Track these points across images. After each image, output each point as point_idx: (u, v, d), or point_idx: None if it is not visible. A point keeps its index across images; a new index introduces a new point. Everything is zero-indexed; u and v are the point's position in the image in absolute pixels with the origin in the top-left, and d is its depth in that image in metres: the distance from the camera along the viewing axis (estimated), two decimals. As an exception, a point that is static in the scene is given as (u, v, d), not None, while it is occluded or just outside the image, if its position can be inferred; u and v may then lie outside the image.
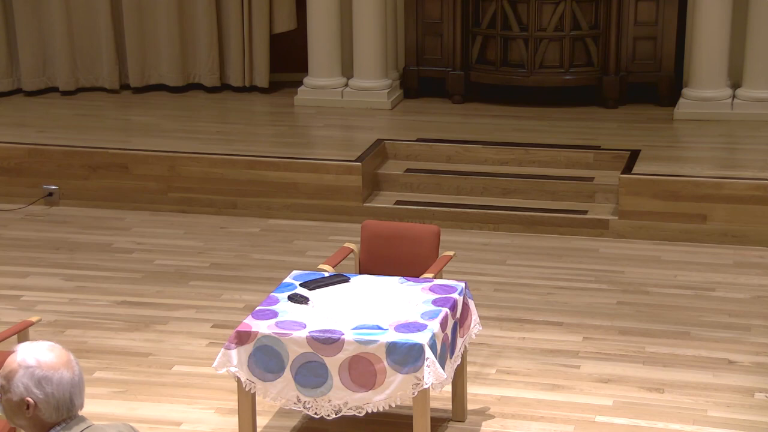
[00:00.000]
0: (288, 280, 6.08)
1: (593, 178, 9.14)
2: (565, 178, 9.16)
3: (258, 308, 5.73)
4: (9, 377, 3.14)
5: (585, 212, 8.85)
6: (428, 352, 5.33)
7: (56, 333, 7.17)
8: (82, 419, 3.19)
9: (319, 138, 10.17)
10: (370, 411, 5.44)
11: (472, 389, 6.34)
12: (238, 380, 5.57)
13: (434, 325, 5.49)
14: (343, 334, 5.41)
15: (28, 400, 3.11)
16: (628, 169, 8.85)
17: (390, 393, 5.37)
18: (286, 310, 5.70)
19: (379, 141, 9.66)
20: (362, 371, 5.37)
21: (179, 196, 9.33)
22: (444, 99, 10.81)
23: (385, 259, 6.63)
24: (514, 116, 10.37)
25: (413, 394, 5.38)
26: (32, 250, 8.64)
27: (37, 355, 3.13)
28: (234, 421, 5.96)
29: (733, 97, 10.05)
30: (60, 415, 3.14)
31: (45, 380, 3.11)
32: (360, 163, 9.11)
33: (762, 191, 8.46)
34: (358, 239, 6.82)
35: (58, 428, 3.15)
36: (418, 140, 9.72)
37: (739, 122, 9.92)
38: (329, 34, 10.62)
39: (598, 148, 9.41)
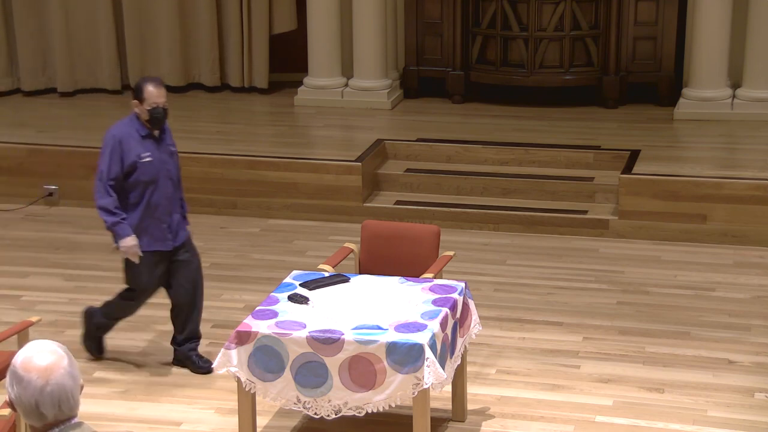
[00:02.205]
0: (288, 280, 6.08)
1: (593, 178, 9.14)
2: (565, 178, 9.15)
3: (258, 308, 5.73)
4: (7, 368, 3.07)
5: (585, 212, 8.84)
6: (428, 352, 5.32)
7: (56, 333, 7.15)
8: (79, 424, 3.04)
9: (319, 138, 10.16)
10: (370, 411, 5.44)
11: (472, 389, 6.34)
12: (238, 380, 5.56)
13: (434, 325, 5.48)
14: (343, 334, 5.41)
15: (7, 395, 3.02)
16: (628, 169, 8.85)
17: (390, 393, 5.37)
18: (286, 310, 5.69)
19: (379, 141, 9.66)
20: (362, 371, 5.37)
21: (179, 196, 9.32)
22: (444, 99, 10.81)
23: (385, 259, 6.63)
24: (514, 116, 10.37)
25: (413, 394, 5.37)
26: (32, 250, 8.63)
27: (26, 354, 3.00)
28: (234, 421, 5.95)
29: (733, 97, 10.04)
30: (30, 420, 2.99)
31: (17, 380, 2.98)
32: (360, 163, 9.11)
33: (762, 191, 8.45)
34: (358, 239, 6.82)
35: (56, 430, 3.01)
36: (418, 140, 9.71)
37: (739, 122, 9.91)
38: (329, 34, 10.61)
39: (598, 148, 9.41)
